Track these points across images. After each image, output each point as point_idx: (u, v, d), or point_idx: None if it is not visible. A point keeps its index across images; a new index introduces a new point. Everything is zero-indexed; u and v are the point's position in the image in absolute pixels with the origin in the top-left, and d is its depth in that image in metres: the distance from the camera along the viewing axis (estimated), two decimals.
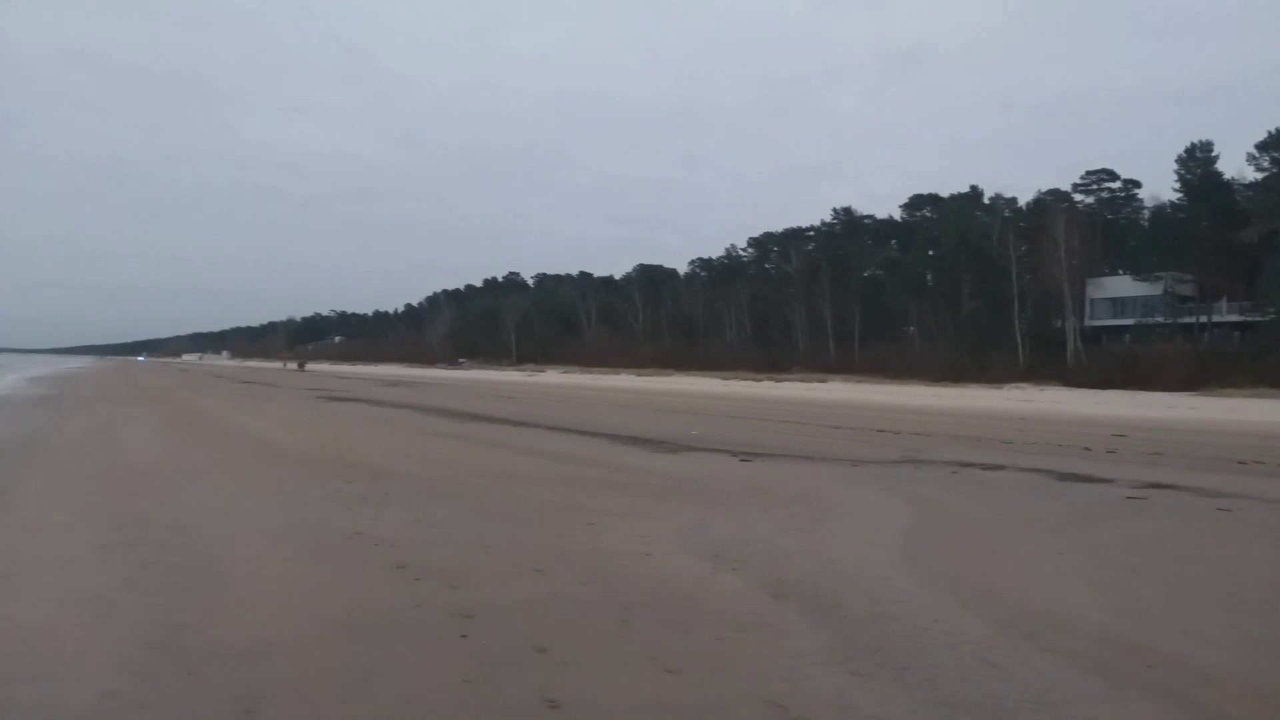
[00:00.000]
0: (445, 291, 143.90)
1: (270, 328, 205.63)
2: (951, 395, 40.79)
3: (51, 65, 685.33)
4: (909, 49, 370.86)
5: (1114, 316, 58.34)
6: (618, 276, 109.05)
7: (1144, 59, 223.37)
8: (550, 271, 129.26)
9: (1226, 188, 54.71)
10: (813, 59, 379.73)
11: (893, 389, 46.63)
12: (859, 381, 53.24)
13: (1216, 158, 55.89)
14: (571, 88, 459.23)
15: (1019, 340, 55.38)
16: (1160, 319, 54.31)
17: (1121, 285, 58.85)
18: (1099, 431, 20.49)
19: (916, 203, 79.07)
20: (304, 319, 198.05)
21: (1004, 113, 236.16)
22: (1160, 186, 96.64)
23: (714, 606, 5.90)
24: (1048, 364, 51.33)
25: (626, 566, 7.00)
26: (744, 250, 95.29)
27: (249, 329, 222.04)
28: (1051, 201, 64.96)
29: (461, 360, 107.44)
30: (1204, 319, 54.05)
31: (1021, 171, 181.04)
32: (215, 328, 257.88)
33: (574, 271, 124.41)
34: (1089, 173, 68.34)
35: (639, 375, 68.47)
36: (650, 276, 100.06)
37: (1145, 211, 65.46)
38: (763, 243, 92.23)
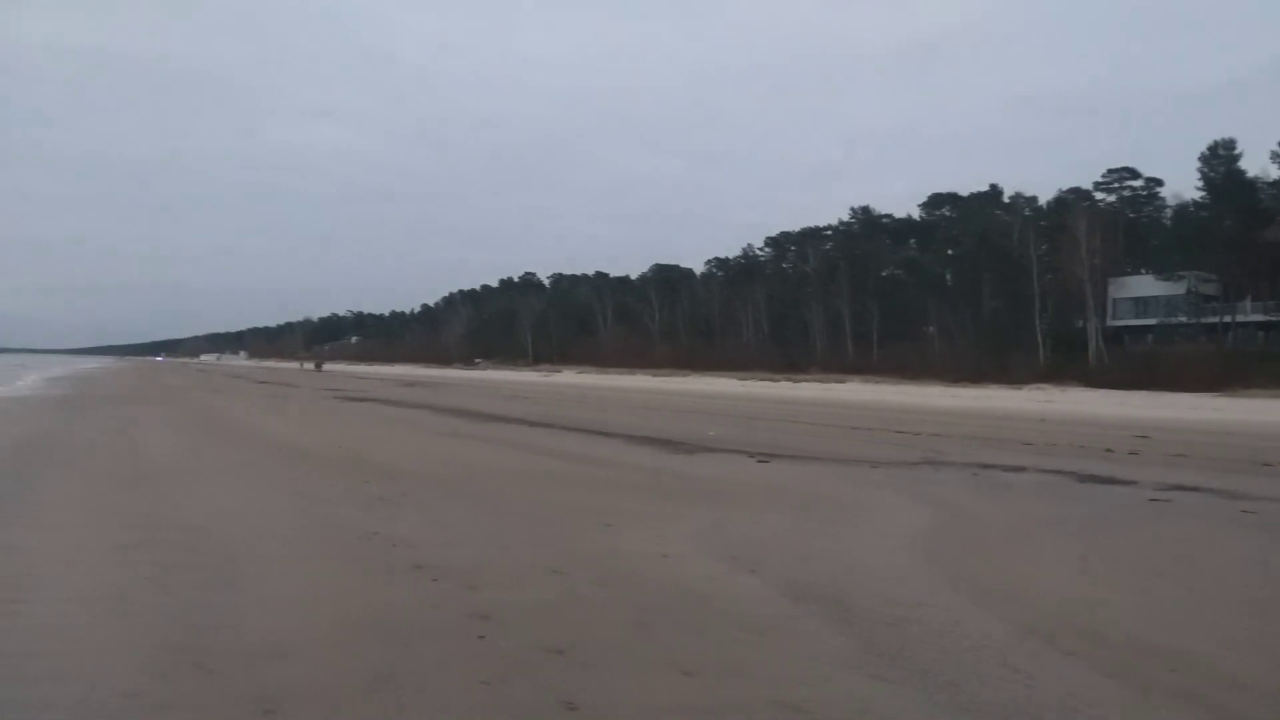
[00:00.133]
0: (461, 292, 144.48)
1: (287, 328, 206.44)
2: (971, 396, 40.50)
3: (72, 66, 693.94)
4: (925, 46, 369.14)
5: (1136, 316, 57.82)
6: (633, 277, 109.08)
7: (1165, 55, 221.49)
8: (566, 272, 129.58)
9: (1250, 186, 54.06)
10: (827, 58, 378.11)
11: (912, 389, 46.36)
12: (877, 382, 52.95)
13: (1240, 156, 55.26)
14: (588, 88, 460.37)
15: (1040, 340, 54.91)
16: (1183, 319, 53.79)
17: (1144, 285, 58.30)
18: (1121, 433, 20.27)
19: (935, 201, 78.69)
20: (321, 319, 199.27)
21: (1023, 110, 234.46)
22: (1183, 185, 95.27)
23: (731, 608, 5.87)
24: (1069, 364, 50.86)
25: (644, 568, 6.98)
26: (761, 250, 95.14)
27: (266, 329, 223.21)
28: (1073, 200, 64.48)
29: (478, 361, 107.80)
30: (1228, 319, 53.44)
31: (1042, 170, 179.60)
32: (232, 328, 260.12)
33: (590, 271, 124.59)
34: (1110, 171, 67.89)
35: (655, 376, 68.36)
36: (666, 276, 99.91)
37: (1168, 210, 64.94)
38: (780, 242, 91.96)
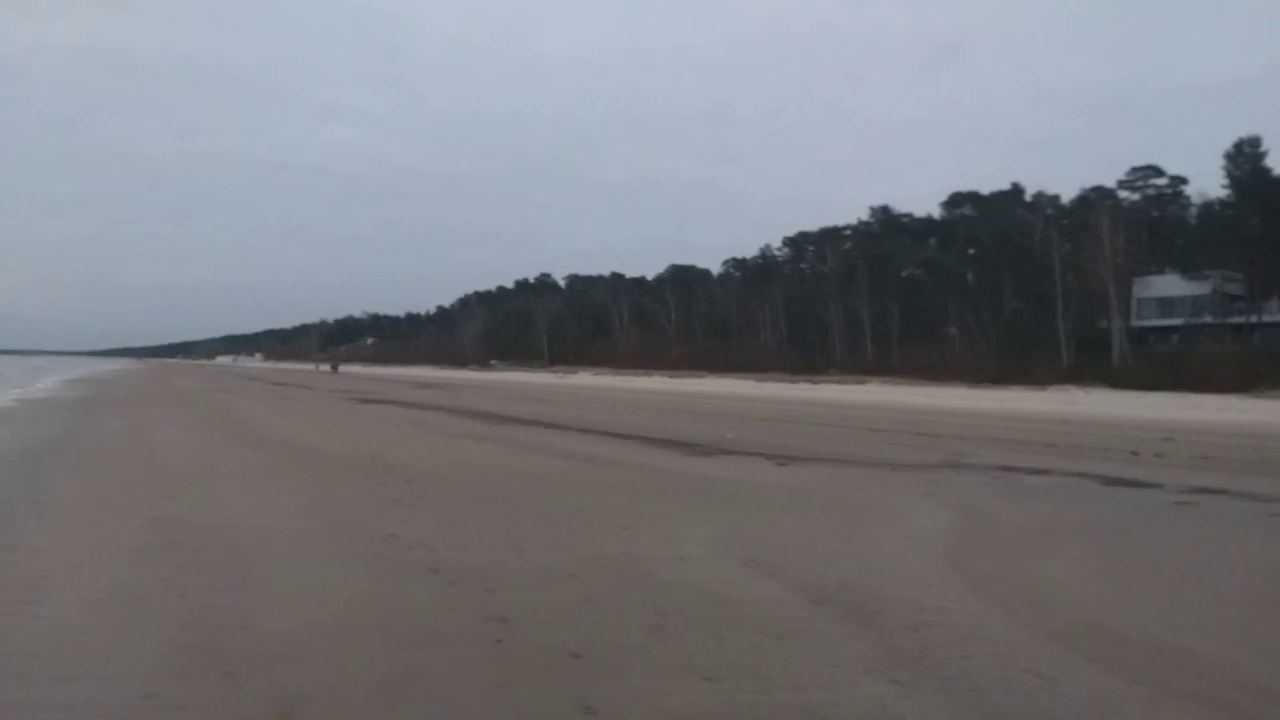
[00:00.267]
0: (477, 293, 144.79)
1: (303, 330, 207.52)
2: (993, 397, 40.10)
3: (86, 67, 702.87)
4: (946, 45, 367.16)
5: (1161, 316, 57.11)
6: (650, 277, 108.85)
7: (1189, 52, 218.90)
8: (582, 272, 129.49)
9: (1276, 184, 53.26)
10: (847, 56, 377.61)
11: (932, 391, 45.99)
12: (897, 383, 52.62)
13: (1265, 153, 54.44)
14: (604, 88, 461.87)
15: (1062, 341, 54.33)
16: (1209, 319, 53.07)
17: (1169, 284, 57.57)
18: (1146, 435, 20.01)
19: (956, 201, 77.98)
20: (336, 321, 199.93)
21: (1045, 109, 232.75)
22: (1208, 183, 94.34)
23: (750, 613, 5.81)
24: (1093, 365, 50.30)
25: (661, 571, 6.94)
26: (779, 250, 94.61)
27: (282, 331, 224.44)
28: (1096, 199, 63.68)
29: (493, 362, 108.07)
30: (1254, 319, 52.67)
31: (1064, 169, 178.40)
32: (249, 330, 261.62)
33: (605, 272, 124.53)
34: (1134, 169, 66.90)
35: (672, 377, 68.18)
36: (683, 277, 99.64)
37: (1192, 209, 63.99)
38: (798, 242, 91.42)
